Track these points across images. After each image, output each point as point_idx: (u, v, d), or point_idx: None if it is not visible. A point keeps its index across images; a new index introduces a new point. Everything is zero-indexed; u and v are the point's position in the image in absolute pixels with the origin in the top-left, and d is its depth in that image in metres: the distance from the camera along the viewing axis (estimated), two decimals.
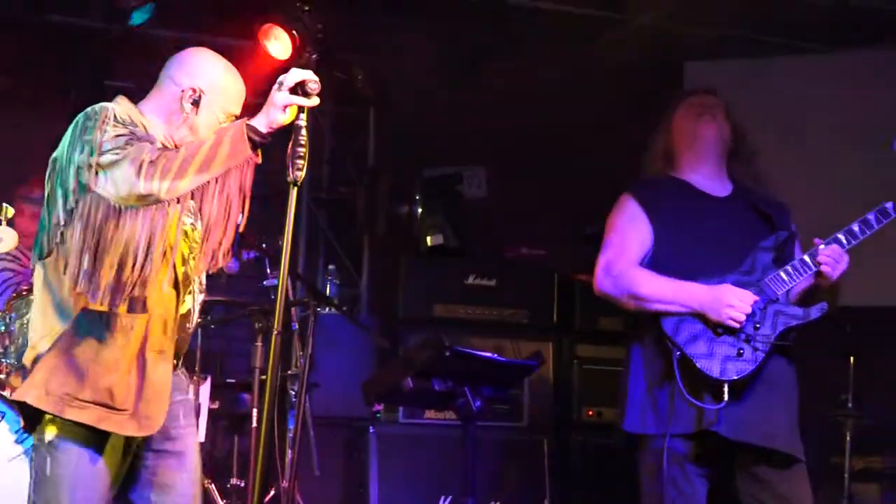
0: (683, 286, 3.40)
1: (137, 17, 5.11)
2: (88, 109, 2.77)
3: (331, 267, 5.76)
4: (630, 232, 3.55)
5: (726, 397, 3.29)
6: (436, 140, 6.24)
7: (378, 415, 5.02)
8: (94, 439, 2.74)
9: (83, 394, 2.71)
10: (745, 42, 6.37)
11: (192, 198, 2.65)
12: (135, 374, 2.75)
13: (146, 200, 2.64)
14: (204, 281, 3.02)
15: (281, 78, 2.67)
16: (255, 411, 4.27)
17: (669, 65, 6.56)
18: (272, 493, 4.62)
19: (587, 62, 6.54)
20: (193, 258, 2.89)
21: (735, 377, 3.32)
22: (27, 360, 2.77)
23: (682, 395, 3.32)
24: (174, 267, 2.81)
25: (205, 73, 2.92)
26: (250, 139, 2.64)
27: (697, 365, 3.33)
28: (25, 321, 4.45)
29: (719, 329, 3.37)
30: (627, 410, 3.49)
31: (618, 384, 3.60)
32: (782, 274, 3.44)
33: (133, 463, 2.87)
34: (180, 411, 2.93)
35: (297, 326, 4.76)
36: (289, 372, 4.65)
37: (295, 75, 2.66)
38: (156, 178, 2.61)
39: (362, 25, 6.08)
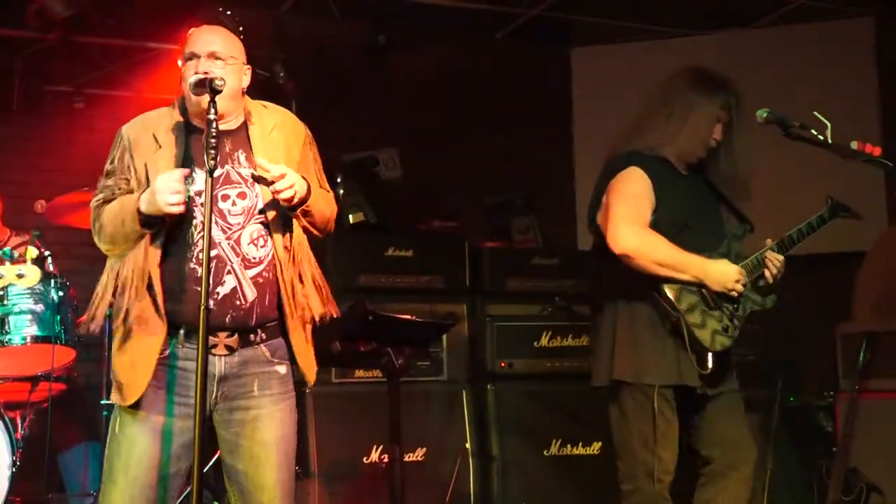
0: (694, 258, 3.39)
1: None
2: None
3: None
4: (642, 201, 3.43)
5: (710, 365, 3.37)
6: (353, 127, 6.25)
7: None
8: (133, 413, 2.82)
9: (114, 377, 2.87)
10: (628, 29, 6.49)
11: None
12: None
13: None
14: (258, 256, 2.84)
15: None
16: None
17: (558, 52, 6.66)
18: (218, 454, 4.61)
19: (486, 52, 6.61)
20: (228, 239, 2.82)
21: (719, 349, 3.39)
22: None
23: (676, 352, 3.37)
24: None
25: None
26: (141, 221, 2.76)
27: (695, 333, 3.36)
28: None
29: (711, 303, 3.41)
30: (617, 359, 3.45)
31: (597, 336, 3.58)
32: (749, 264, 3.48)
33: (219, 434, 2.90)
34: (255, 383, 2.87)
35: None
36: None
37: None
38: (97, 237, 2.88)
39: (280, 24, 6.06)
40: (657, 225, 3.43)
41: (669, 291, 3.39)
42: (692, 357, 3.38)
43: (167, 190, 2.69)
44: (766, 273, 3.51)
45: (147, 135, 2.87)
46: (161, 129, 2.89)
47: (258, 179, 2.81)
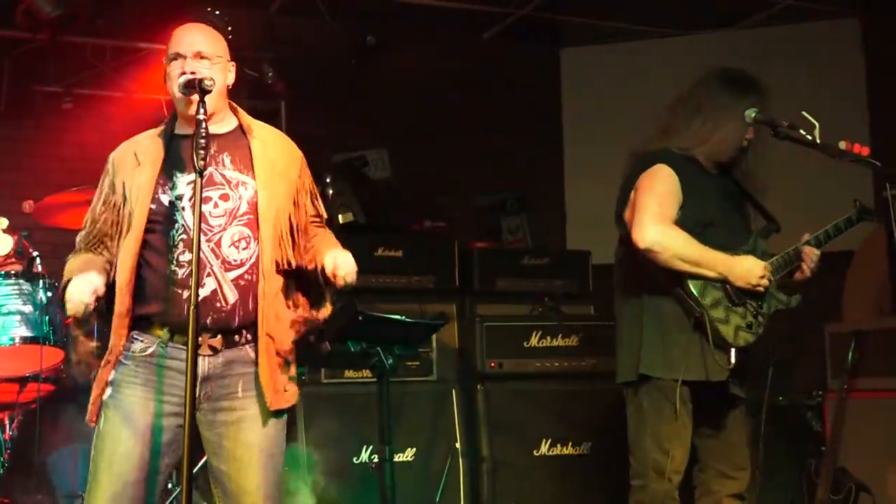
0: (718, 254, 3.39)
1: None
2: None
3: None
4: (668, 198, 3.43)
5: (733, 360, 3.36)
6: (342, 127, 6.25)
7: (303, 377, 4.99)
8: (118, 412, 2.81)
9: None
10: (617, 29, 6.50)
11: None
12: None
13: None
14: (239, 258, 2.82)
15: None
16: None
17: (547, 52, 6.66)
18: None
19: (476, 52, 6.61)
20: (208, 241, 2.80)
21: (742, 345, 3.39)
22: None
23: (702, 348, 3.36)
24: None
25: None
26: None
27: (718, 328, 3.36)
28: None
29: (735, 299, 3.40)
30: (643, 355, 3.46)
31: (621, 333, 3.58)
32: (776, 262, 3.49)
33: (203, 435, 2.86)
34: (239, 384, 2.83)
35: None
36: None
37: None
38: None
39: (269, 24, 6.04)
40: (683, 222, 3.43)
41: (693, 287, 3.39)
42: (715, 353, 3.38)
43: (76, 294, 2.68)
44: (804, 266, 3.52)
45: (129, 155, 2.91)
46: (142, 147, 2.91)
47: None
